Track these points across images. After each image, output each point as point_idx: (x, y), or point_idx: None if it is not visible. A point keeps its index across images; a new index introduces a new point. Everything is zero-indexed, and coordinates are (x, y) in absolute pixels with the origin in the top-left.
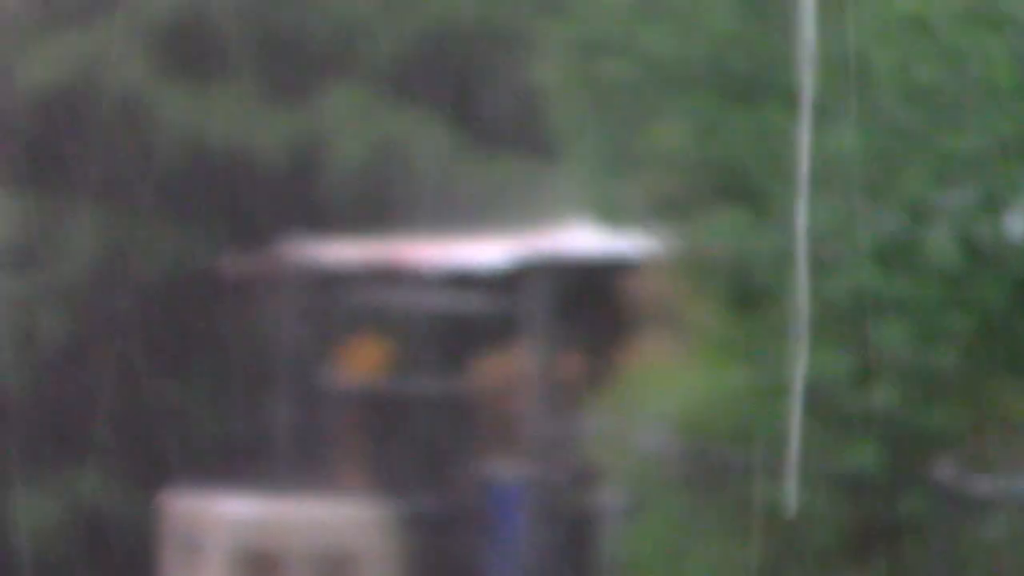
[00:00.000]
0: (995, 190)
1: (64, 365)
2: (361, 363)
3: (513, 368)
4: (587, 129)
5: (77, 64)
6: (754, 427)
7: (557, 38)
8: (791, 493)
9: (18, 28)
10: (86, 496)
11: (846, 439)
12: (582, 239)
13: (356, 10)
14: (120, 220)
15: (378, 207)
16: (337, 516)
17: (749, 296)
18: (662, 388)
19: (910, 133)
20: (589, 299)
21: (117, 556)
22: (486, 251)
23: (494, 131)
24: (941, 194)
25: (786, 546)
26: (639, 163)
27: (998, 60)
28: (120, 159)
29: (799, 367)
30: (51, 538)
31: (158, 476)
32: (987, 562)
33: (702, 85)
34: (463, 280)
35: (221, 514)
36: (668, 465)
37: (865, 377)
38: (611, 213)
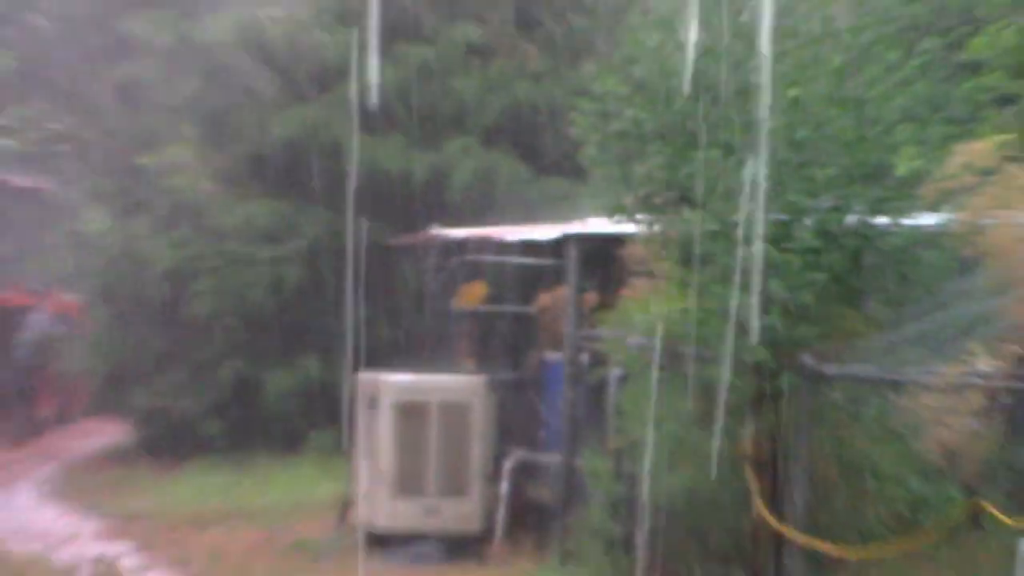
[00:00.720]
0: (841, 201)
1: (299, 299)
2: (472, 297)
3: (559, 299)
4: (602, 163)
5: (306, 125)
6: (698, 334)
7: (585, 109)
8: (721, 373)
9: (271, 102)
10: (313, 373)
11: (752, 343)
12: (598, 225)
13: (470, 90)
14: (331, 216)
15: (480, 207)
16: (458, 382)
17: (692, 259)
18: (643, 311)
19: (791, 167)
20: (601, 260)
21: (329, 408)
22: (543, 231)
23: (549, 164)
24: (809, 202)
25: (715, 403)
26: (633, 183)
27: (844, 122)
28: (332, 181)
29: (731, 301)
30: (291, 400)
31: (355, 362)
32: (832, 415)
33: (670, 138)
34: (530, 248)
35: (389, 382)
36: (645, 354)
37: (763, 308)
38: (615, 211)
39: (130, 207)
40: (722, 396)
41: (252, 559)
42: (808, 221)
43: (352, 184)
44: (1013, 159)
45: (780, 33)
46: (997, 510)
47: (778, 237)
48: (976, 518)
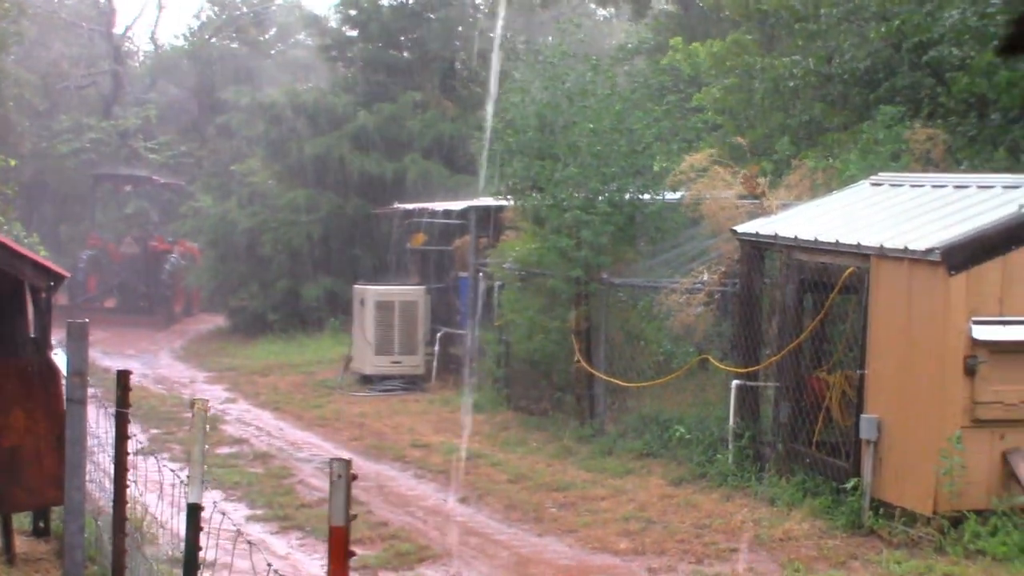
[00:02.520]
0: (622, 185)
1: (321, 244)
2: (417, 241)
3: (465, 243)
4: (489, 166)
5: (325, 147)
6: (543, 261)
7: (480, 137)
8: (553, 283)
9: (305, 135)
10: (330, 286)
11: (573, 265)
12: (492, 200)
13: (415, 127)
14: (338, 199)
15: (422, 192)
16: (410, 290)
17: (539, 220)
18: (512, 249)
19: (592, 167)
20: (491, 219)
21: (339, 306)
22: (457, 204)
23: (460, 167)
24: (602, 187)
25: (554, 300)
26: (506, 177)
27: (623, 142)
28: (339, 179)
29: (561, 243)
30: (317, 301)
31: (353, 279)
32: (619, 306)
33: (526, 152)
34: (449, 214)
35: (372, 290)
36: (514, 273)
37: (578, 247)
38: (496, 193)
39: (225, 193)
40: (558, 296)
41: (294, 391)
42: (602, 198)
43: (351, 180)
44: (717, 163)
45: (586, 91)
46: (716, 360)
47: (586, 207)
48: (703, 364)
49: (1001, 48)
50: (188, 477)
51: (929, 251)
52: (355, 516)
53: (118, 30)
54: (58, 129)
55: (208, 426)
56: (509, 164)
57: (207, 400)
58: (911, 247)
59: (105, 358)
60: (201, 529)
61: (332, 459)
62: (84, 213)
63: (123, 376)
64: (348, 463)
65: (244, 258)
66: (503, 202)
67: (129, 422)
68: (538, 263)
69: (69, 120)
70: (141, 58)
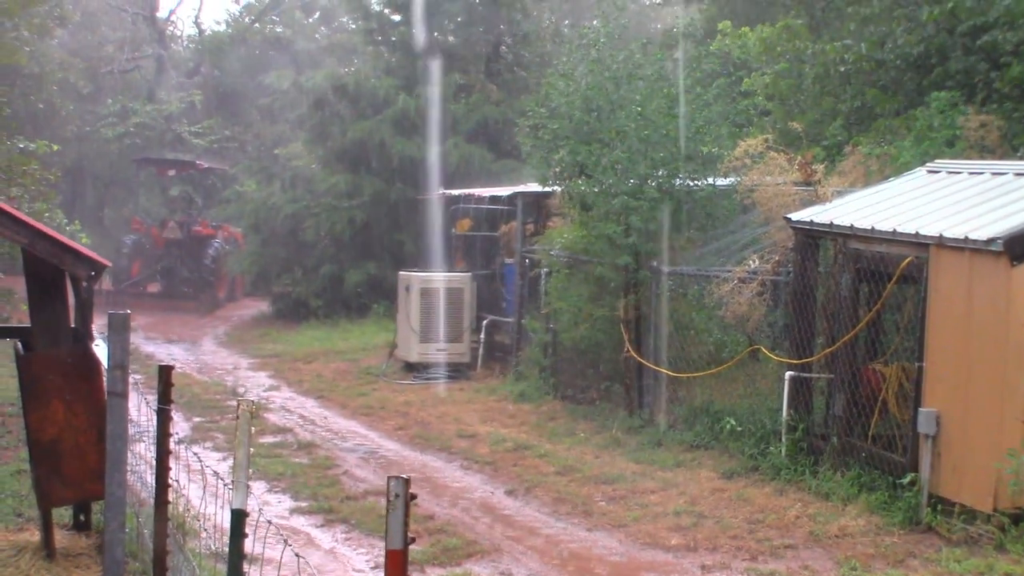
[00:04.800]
0: (669, 171)
1: (365, 230)
2: (463, 227)
3: (512, 229)
4: (535, 153)
5: (367, 131)
6: (591, 249)
7: (524, 124)
8: (601, 271)
9: (348, 119)
10: (373, 272)
11: (620, 254)
12: (534, 187)
13: (459, 110)
14: (381, 184)
15: (467, 177)
16: (455, 276)
17: (584, 207)
18: (559, 236)
19: (641, 152)
20: (538, 205)
21: (383, 292)
22: (503, 190)
23: (505, 152)
24: (653, 173)
25: (603, 288)
26: (552, 164)
27: (672, 126)
28: (381, 164)
29: (610, 230)
30: (361, 287)
31: (397, 265)
32: (668, 294)
33: (572, 138)
34: (495, 199)
35: (416, 276)
36: (560, 262)
37: (626, 233)
38: (543, 180)
39: (268, 178)
40: (606, 284)
41: (338, 378)
42: (651, 183)
43: (394, 165)
44: (772, 148)
45: (633, 75)
46: (768, 351)
47: (634, 192)
48: (755, 355)
49: None
50: (233, 482)
51: (991, 241)
52: (414, 539)
53: (161, 14)
54: (103, 113)
55: (251, 414)
56: (556, 150)
57: (253, 402)
58: (972, 237)
59: (148, 344)
60: (246, 536)
61: (390, 478)
62: (128, 198)
63: (165, 372)
64: (407, 482)
65: (287, 243)
66: (550, 188)
67: (171, 419)
68: (586, 250)
69: (115, 104)
70: (185, 42)
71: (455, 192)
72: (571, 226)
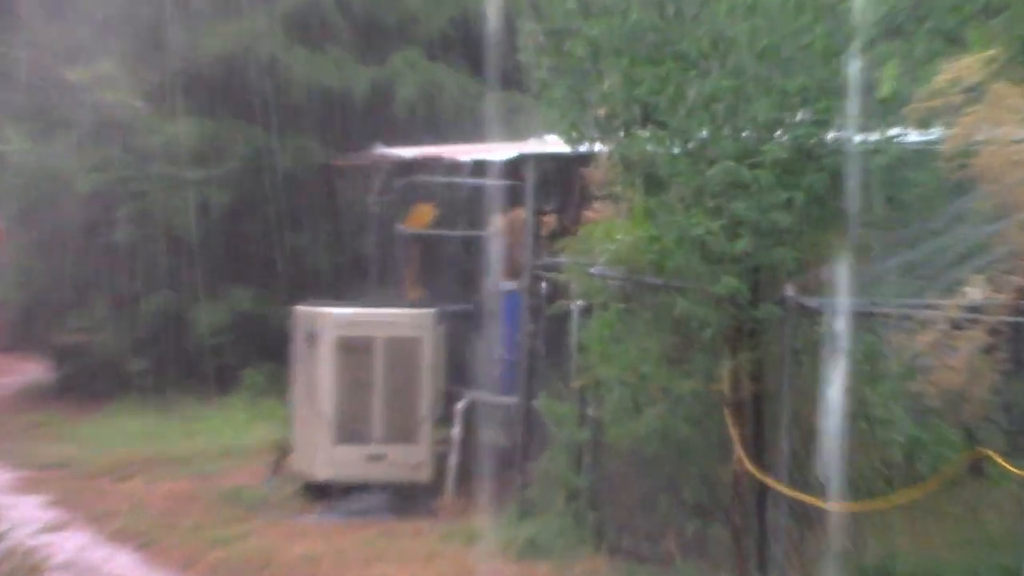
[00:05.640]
0: (816, 115)
1: (230, 225)
2: (420, 221)
3: (515, 223)
4: (555, 85)
5: (240, 39)
6: (666, 262)
7: (533, 30)
8: (686, 306)
9: (202, 16)
10: (245, 307)
11: (721, 273)
12: (556, 143)
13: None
14: (265, 135)
15: (428, 124)
16: (405, 316)
17: (654, 182)
18: (606, 238)
19: (759, 79)
20: (560, 181)
21: (263, 345)
22: (497, 151)
23: (501, 77)
24: (783, 118)
25: (687, 339)
26: (589, 103)
27: (815, 34)
28: (267, 99)
29: (694, 227)
30: (221, 332)
31: (291, 294)
32: (814, 350)
33: (626, 52)
34: (483, 168)
35: (330, 316)
36: (609, 285)
37: (731, 233)
38: (570, 132)
39: (51, 125)
40: (694, 331)
41: (178, 510)
42: (780, 137)
43: (287, 102)
44: (1002, 75)
45: None
46: (999, 456)
47: (747, 155)
48: (977, 465)
49: None
50: None
51: None
52: None
53: None
54: None
55: None
56: (596, 78)
57: None
58: None
59: None
60: None
61: None
62: None
63: None
64: None
65: (83, 249)
66: (585, 148)
67: None
68: (657, 266)
69: None
70: None
71: (406, 154)
72: (627, 220)
